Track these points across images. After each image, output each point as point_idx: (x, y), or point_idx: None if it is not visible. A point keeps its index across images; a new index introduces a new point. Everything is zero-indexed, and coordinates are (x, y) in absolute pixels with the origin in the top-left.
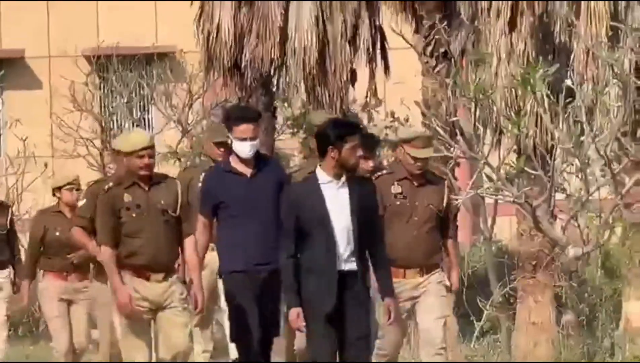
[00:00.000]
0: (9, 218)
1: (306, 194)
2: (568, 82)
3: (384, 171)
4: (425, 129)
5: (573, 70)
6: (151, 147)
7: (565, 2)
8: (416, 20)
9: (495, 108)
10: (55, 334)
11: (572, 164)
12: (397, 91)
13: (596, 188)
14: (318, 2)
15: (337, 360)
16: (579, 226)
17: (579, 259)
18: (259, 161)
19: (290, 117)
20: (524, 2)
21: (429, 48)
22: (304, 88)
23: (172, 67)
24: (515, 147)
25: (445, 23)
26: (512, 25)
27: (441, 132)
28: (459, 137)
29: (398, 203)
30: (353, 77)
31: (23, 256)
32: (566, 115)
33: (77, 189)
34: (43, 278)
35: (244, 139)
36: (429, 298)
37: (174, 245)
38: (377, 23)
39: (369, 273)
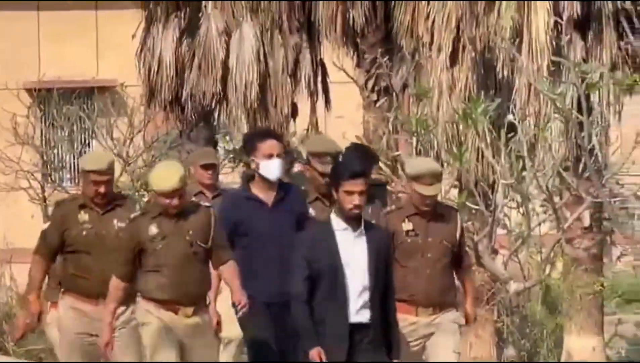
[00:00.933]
0: None
1: (320, 241)
2: (510, 117)
3: (394, 207)
4: (434, 162)
5: (515, 105)
6: (179, 189)
7: (507, 37)
8: (358, 54)
9: (436, 142)
10: None
11: (514, 199)
12: (338, 124)
13: (537, 223)
14: (259, 37)
15: None
16: (519, 261)
17: (520, 294)
18: (280, 187)
19: (231, 151)
20: (465, 37)
21: (371, 82)
22: (245, 122)
23: (113, 101)
24: (456, 182)
25: (386, 57)
26: (453, 59)
27: (383, 167)
28: (400, 172)
29: (409, 240)
30: (294, 111)
31: None
32: (508, 150)
33: None
34: None
35: (271, 156)
36: (443, 336)
37: (205, 278)
38: (319, 57)
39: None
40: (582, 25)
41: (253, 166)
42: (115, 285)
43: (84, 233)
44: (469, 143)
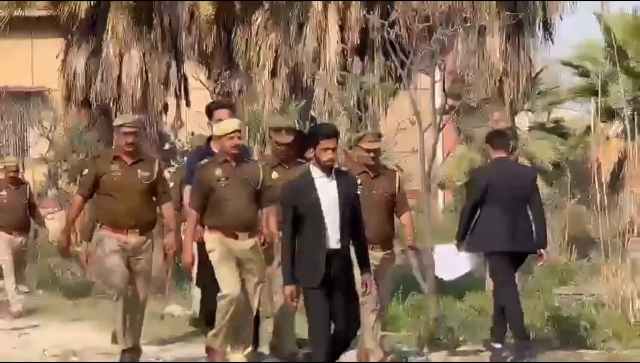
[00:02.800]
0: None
1: (303, 187)
2: (312, 112)
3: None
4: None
5: (315, 104)
6: (239, 130)
7: (310, 58)
8: (209, 69)
9: (261, 130)
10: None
11: None
12: (195, 117)
13: None
14: (142, 57)
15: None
16: None
17: None
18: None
19: None
20: (282, 58)
21: (217, 88)
22: (132, 114)
23: (43, 101)
24: None
25: (228, 72)
26: (273, 73)
27: None
28: None
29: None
30: (165, 107)
31: None
32: None
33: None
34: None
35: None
36: (389, 264)
37: (256, 212)
38: (182, 71)
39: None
40: (361, 50)
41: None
42: (192, 216)
43: (114, 179)
44: None
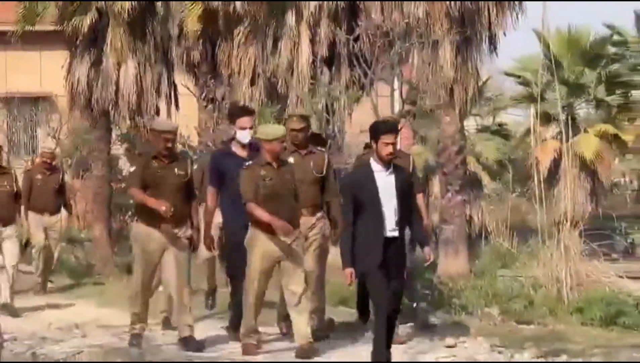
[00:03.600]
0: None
1: (362, 178)
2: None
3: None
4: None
5: (289, 108)
6: (282, 137)
7: (284, 68)
8: (195, 78)
9: None
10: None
11: None
12: (184, 120)
13: None
14: (138, 67)
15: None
16: None
17: None
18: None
19: (119, 134)
20: (259, 68)
21: (203, 94)
22: (128, 118)
23: (50, 105)
24: None
25: (212, 80)
26: (252, 82)
27: (212, 146)
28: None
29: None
30: (157, 111)
31: None
32: None
33: None
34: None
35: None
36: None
37: (297, 209)
38: (172, 79)
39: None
40: (329, 61)
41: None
42: (251, 206)
43: (156, 176)
44: None
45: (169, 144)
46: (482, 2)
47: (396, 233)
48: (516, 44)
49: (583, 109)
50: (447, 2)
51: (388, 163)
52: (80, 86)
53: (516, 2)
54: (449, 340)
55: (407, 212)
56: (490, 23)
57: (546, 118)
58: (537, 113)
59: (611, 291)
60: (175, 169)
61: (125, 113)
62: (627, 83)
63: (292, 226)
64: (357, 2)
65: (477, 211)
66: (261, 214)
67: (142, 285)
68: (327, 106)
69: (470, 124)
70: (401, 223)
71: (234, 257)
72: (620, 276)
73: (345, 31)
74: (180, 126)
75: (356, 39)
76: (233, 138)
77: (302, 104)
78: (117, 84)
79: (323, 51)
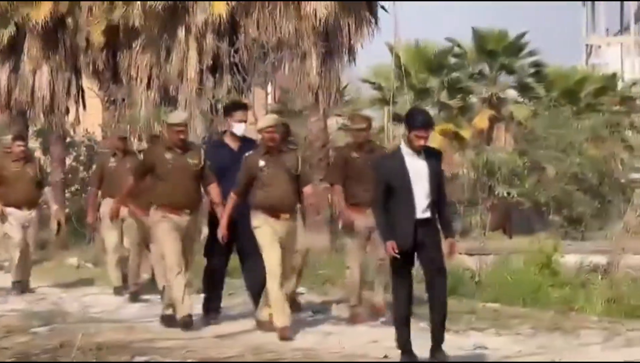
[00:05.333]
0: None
1: (393, 163)
2: None
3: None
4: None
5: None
6: (276, 125)
7: (176, 75)
8: (100, 82)
9: (138, 128)
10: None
11: None
12: (90, 118)
13: None
14: (50, 73)
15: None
16: None
17: None
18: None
19: (35, 130)
20: (154, 74)
21: (106, 97)
22: (43, 117)
23: None
24: None
25: (114, 84)
26: (148, 86)
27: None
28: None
29: (356, 164)
30: (67, 111)
31: None
32: None
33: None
34: None
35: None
36: None
37: (296, 194)
38: (80, 84)
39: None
40: (213, 69)
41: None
42: (234, 198)
43: (169, 166)
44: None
45: (182, 136)
46: (343, 18)
47: (428, 215)
48: (372, 55)
49: (429, 111)
50: (314, 19)
51: (419, 149)
52: (1, 89)
53: (371, 19)
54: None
55: (438, 196)
56: (349, 37)
57: (397, 119)
58: (389, 114)
59: (450, 266)
60: (188, 159)
61: (40, 112)
62: (465, 89)
63: (291, 212)
64: (237, 18)
65: None
66: (224, 213)
67: (173, 268)
68: (211, 107)
69: (333, 123)
70: (432, 206)
71: (215, 245)
72: (460, 253)
73: (227, 43)
74: (85, 124)
75: (236, 51)
76: (225, 131)
77: (190, 106)
78: (32, 87)
79: (208, 60)
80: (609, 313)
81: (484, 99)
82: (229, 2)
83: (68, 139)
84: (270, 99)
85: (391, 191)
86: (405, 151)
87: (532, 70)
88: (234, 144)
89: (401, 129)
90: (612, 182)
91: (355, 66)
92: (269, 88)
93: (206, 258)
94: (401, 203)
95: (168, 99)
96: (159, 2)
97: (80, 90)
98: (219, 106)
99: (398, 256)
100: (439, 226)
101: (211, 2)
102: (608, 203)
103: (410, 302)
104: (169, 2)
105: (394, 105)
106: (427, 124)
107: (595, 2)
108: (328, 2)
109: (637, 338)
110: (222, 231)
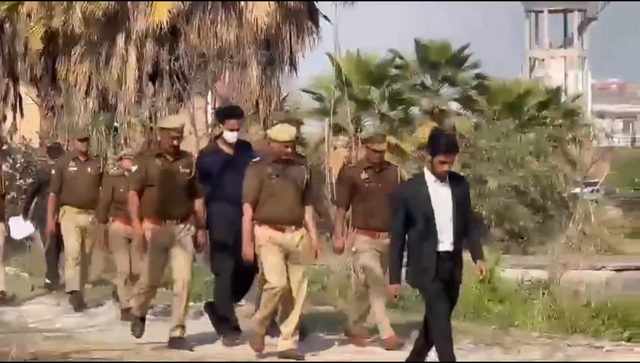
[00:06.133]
0: None
1: (415, 189)
2: (116, 123)
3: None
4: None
5: (118, 117)
6: (294, 141)
7: (115, 82)
8: (38, 89)
9: None
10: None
11: None
12: (27, 126)
13: None
14: None
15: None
16: None
17: None
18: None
19: None
20: (93, 81)
21: (44, 104)
22: None
23: None
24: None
25: (53, 91)
26: (87, 92)
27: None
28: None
29: (367, 185)
30: (4, 118)
31: None
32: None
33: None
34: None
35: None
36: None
37: (302, 207)
38: (18, 90)
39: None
40: (153, 77)
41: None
42: (250, 209)
43: (160, 174)
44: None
45: (175, 142)
46: (285, 28)
47: (450, 247)
48: (313, 65)
49: (369, 122)
50: (255, 28)
51: (443, 176)
52: None
53: (313, 29)
54: None
55: (464, 225)
56: (291, 46)
57: (337, 129)
58: (329, 125)
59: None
60: (180, 167)
61: None
62: (407, 100)
63: (297, 225)
64: (178, 26)
65: None
66: (245, 225)
67: (151, 282)
68: (150, 115)
69: None
70: (457, 237)
71: (218, 255)
72: None
73: (167, 51)
74: (23, 131)
75: (177, 58)
76: (219, 136)
77: (129, 113)
78: None
79: (148, 68)
80: (550, 328)
81: (425, 111)
82: (170, 9)
83: (4, 146)
84: (210, 108)
85: (412, 221)
86: (429, 176)
87: (475, 82)
88: (228, 149)
89: (341, 140)
90: (555, 196)
91: (296, 75)
92: (209, 97)
93: (214, 275)
94: (422, 234)
95: (107, 106)
96: (99, 8)
97: (18, 97)
98: (159, 113)
99: (396, 301)
100: (469, 252)
101: (152, 10)
102: (550, 218)
103: (449, 315)
104: (110, 8)
105: (335, 116)
106: (452, 148)
107: (539, 14)
108: (270, 10)
109: (577, 354)
110: (245, 251)
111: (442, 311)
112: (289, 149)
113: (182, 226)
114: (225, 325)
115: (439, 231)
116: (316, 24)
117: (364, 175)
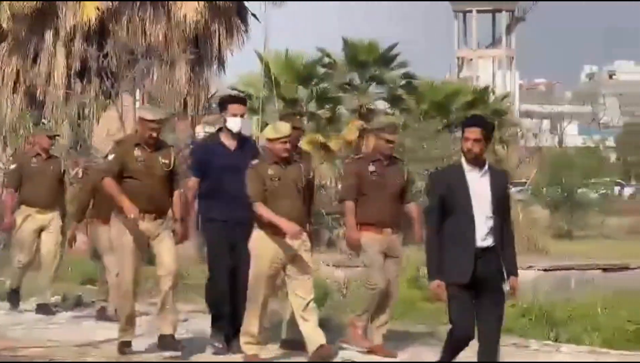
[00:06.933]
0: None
1: (452, 180)
2: (44, 121)
3: (360, 155)
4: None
5: (46, 114)
6: (289, 136)
7: (43, 79)
8: None
9: (4, 132)
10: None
11: None
12: None
13: None
14: None
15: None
16: None
17: None
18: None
19: None
20: (21, 78)
21: None
22: None
23: None
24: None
25: None
26: (14, 90)
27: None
28: None
29: (373, 178)
30: None
31: None
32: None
33: None
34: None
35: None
36: (396, 251)
37: (304, 210)
38: None
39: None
40: (82, 74)
41: None
42: (259, 206)
43: (138, 164)
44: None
45: (154, 134)
46: (214, 26)
47: (489, 242)
48: (241, 63)
49: None
50: (184, 26)
51: (480, 163)
52: None
53: (242, 27)
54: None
55: (502, 222)
56: (220, 45)
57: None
58: (257, 124)
59: (319, 278)
60: (160, 158)
61: None
62: (334, 99)
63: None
64: (107, 23)
65: None
66: (270, 215)
67: (129, 283)
68: (78, 112)
69: (200, 131)
70: (495, 232)
71: (209, 254)
72: (328, 265)
73: (96, 49)
74: None
75: (105, 56)
76: (220, 128)
77: (57, 111)
78: None
79: (76, 65)
80: None
81: (353, 110)
82: (99, 7)
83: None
84: (138, 105)
85: (447, 213)
86: (466, 166)
87: (402, 82)
88: (230, 143)
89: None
90: None
91: (224, 74)
92: (138, 94)
93: (209, 273)
94: (459, 228)
95: (35, 104)
96: (27, 5)
97: None
98: (87, 111)
99: (442, 299)
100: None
101: (80, 7)
102: None
103: (472, 325)
104: (38, 5)
105: (263, 114)
106: (474, 120)
107: (468, 14)
108: (199, 8)
109: (504, 354)
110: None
111: (458, 333)
112: (288, 145)
113: (160, 221)
114: (217, 330)
115: (477, 224)
116: (245, 22)
117: (371, 168)
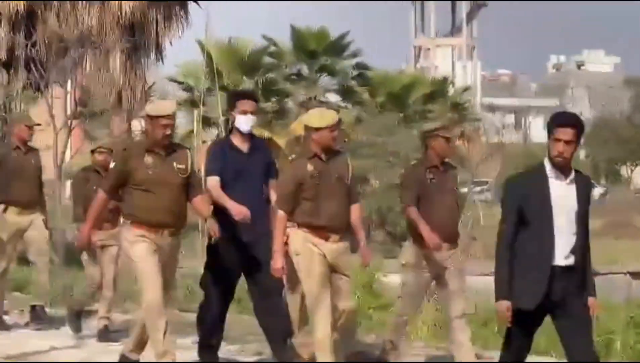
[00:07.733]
0: None
1: (533, 186)
2: None
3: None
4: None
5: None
6: (338, 124)
7: None
8: None
9: None
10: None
11: None
12: None
13: None
14: None
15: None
16: None
17: None
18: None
19: None
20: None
21: None
22: None
23: None
24: None
25: None
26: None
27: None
28: None
29: (431, 186)
30: None
31: None
32: None
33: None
34: None
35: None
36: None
37: (348, 210)
38: None
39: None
40: (8, 64)
41: None
42: (285, 217)
43: (150, 173)
44: None
45: (168, 131)
46: (151, 12)
47: (571, 261)
48: (181, 53)
49: None
50: (119, 13)
51: (566, 169)
52: None
53: (181, 14)
54: None
55: (586, 236)
56: (157, 33)
57: (206, 122)
58: (198, 117)
59: None
60: (174, 164)
61: None
62: (282, 91)
63: (343, 230)
64: (36, 9)
65: None
66: (277, 241)
67: (156, 300)
68: (4, 105)
69: (136, 126)
70: (578, 250)
71: (208, 275)
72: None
73: (23, 36)
74: None
75: (34, 44)
76: (232, 129)
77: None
78: None
79: (2, 55)
80: (436, 337)
81: (302, 103)
82: None
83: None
84: (70, 98)
85: (523, 224)
86: (551, 172)
87: (355, 72)
88: (242, 146)
89: (210, 133)
90: None
91: (163, 64)
92: (69, 86)
93: (204, 291)
94: (535, 242)
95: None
96: None
97: None
98: (13, 104)
99: (510, 322)
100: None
101: None
102: None
103: (524, 354)
104: None
105: (204, 107)
106: (569, 120)
107: (425, 2)
108: None
109: None
110: (276, 265)
111: (517, 346)
112: (336, 133)
113: (175, 238)
114: (205, 348)
115: (558, 240)
116: (185, 9)
117: (428, 174)
